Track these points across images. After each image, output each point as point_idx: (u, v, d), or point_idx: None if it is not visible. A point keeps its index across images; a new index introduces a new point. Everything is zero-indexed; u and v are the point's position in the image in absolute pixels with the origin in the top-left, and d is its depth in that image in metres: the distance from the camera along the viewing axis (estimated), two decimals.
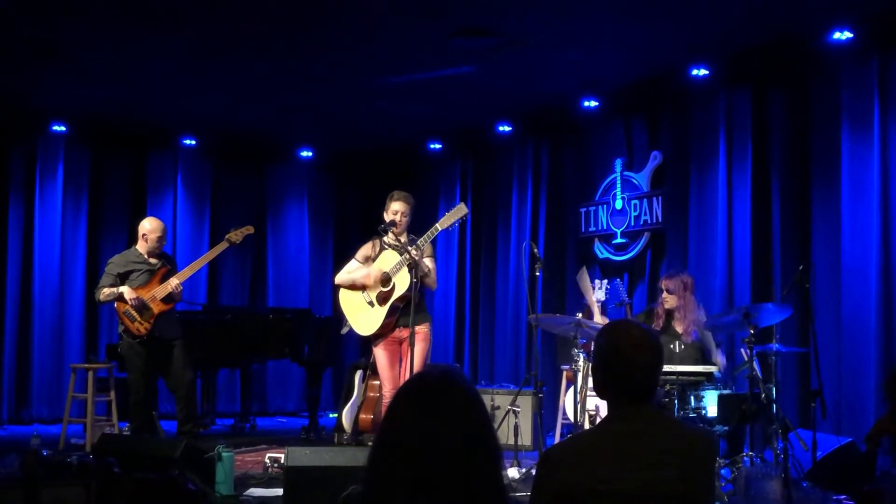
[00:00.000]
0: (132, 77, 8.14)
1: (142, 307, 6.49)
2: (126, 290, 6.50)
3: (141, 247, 6.73)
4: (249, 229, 7.02)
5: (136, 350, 6.55)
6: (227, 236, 6.93)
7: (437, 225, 5.89)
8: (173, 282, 6.59)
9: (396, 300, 5.87)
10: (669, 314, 6.32)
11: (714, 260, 7.43)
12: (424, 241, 5.86)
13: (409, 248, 5.74)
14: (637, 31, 6.90)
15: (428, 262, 5.88)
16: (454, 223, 5.93)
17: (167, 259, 6.91)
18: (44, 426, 8.71)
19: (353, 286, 6.06)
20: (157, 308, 6.53)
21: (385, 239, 5.97)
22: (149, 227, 6.76)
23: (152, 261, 6.71)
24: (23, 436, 8.03)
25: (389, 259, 5.91)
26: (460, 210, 5.95)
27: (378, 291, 5.94)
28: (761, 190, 7.22)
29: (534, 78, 8.09)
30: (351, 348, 9.95)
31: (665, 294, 6.32)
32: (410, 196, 6.09)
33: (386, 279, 5.90)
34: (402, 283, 5.81)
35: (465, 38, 6.96)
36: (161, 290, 6.55)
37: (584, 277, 7.04)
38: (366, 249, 6.13)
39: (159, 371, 6.68)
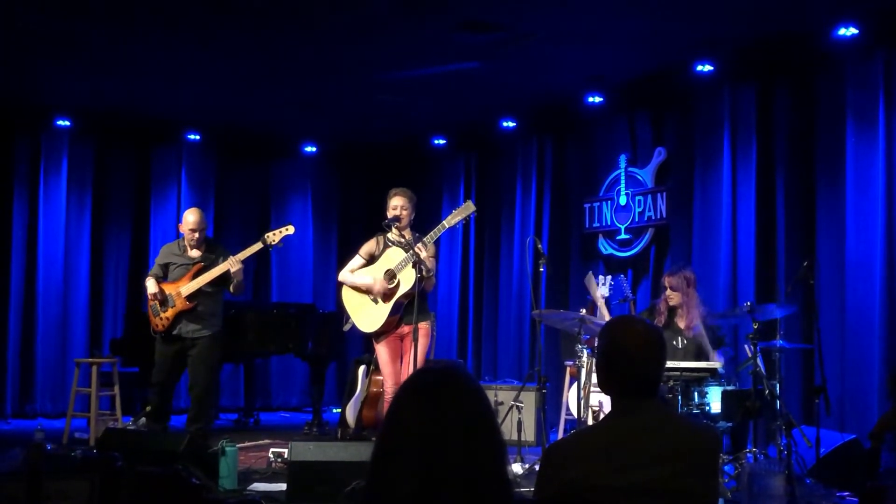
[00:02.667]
0: (136, 71, 8.14)
1: (165, 303, 6.36)
2: (149, 284, 6.41)
3: (184, 239, 6.56)
4: (289, 229, 6.57)
5: (159, 343, 6.47)
6: (264, 236, 6.54)
7: (444, 222, 5.86)
8: (233, 261, 6.30)
9: (401, 297, 5.85)
10: (672, 310, 6.31)
11: (718, 256, 7.42)
12: (431, 238, 5.84)
13: (416, 245, 5.71)
14: (642, 26, 6.88)
15: (430, 262, 5.82)
16: (461, 221, 5.91)
17: (212, 253, 6.55)
18: (48, 420, 8.74)
19: (355, 288, 6.04)
20: (180, 305, 6.35)
21: (389, 236, 5.95)
22: (183, 220, 6.54)
23: (193, 254, 6.50)
24: (27, 430, 8.04)
25: (394, 256, 5.88)
26: (468, 208, 5.90)
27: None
28: (765, 186, 7.21)
29: (538, 73, 8.07)
30: (354, 343, 9.94)
31: (668, 291, 6.30)
32: (409, 190, 6.06)
33: (391, 276, 5.89)
34: (407, 280, 5.78)
35: (469, 32, 6.95)
36: (188, 288, 6.35)
37: (590, 281, 7.03)
38: (370, 246, 6.08)
39: (184, 366, 6.49)
